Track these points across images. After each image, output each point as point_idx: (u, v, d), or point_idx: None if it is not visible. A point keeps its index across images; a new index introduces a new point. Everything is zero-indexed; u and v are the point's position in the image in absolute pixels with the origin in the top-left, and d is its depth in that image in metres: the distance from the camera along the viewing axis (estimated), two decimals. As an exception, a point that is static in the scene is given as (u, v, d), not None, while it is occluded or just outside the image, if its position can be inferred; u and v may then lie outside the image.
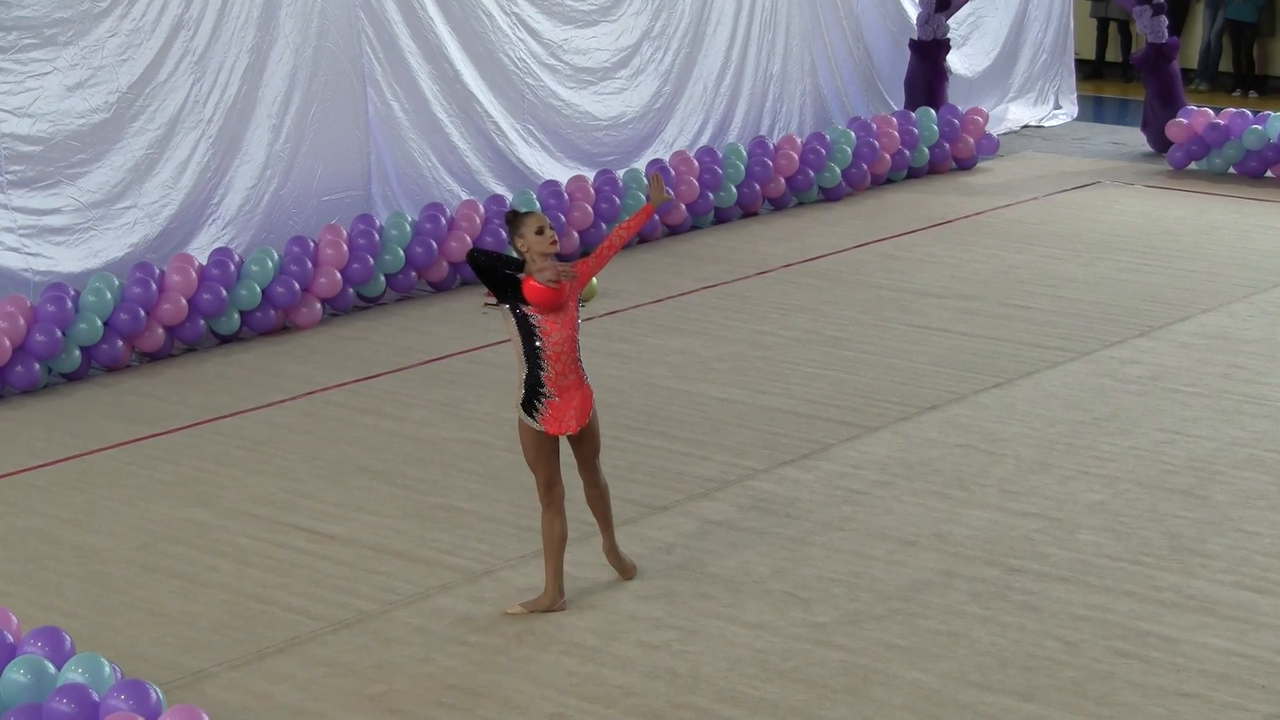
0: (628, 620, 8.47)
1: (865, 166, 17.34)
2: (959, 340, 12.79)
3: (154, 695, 6.97)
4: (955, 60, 19.75)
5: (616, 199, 15.22)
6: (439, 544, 9.36)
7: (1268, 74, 23.63)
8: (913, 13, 19.26)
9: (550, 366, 8.27)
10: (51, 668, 7.19)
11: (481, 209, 14.35)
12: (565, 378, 8.30)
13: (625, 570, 8.90)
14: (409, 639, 8.30)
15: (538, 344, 8.23)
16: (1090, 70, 24.16)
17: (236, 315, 12.79)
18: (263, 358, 12.56)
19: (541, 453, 8.42)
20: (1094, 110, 22.34)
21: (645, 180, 15.55)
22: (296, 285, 13.01)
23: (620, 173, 15.74)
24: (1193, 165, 18.29)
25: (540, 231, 8.25)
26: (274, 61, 14.00)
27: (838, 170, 17.04)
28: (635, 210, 14.90)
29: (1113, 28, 24.42)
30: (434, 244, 13.89)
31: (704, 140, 17.30)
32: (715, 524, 9.58)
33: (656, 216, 15.41)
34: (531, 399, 8.31)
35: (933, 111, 18.26)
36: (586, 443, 8.55)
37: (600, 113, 16.54)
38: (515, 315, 8.25)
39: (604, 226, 15.08)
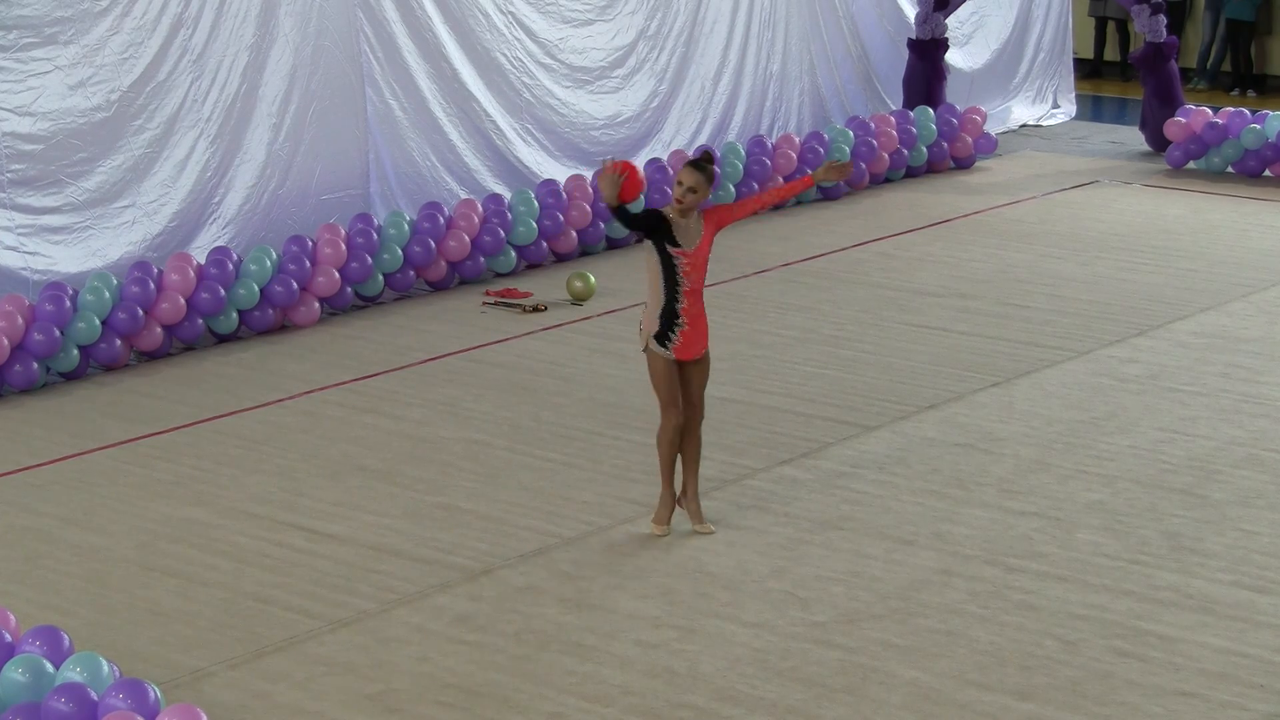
0: (626, 619, 8.47)
1: (864, 165, 17.34)
2: (957, 339, 12.79)
3: (152, 694, 6.97)
4: (958, 56, 19.76)
5: (615, 198, 15.19)
6: (437, 543, 9.36)
7: (1266, 73, 23.64)
8: (910, 12, 19.27)
9: (685, 299, 9.21)
10: (50, 667, 7.19)
11: (480, 208, 14.34)
12: (695, 308, 9.26)
13: (698, 517, 9.47)
14: (408, 638, 8.30)
15: (679, 278, 9.19)
16: (1089, 69, 24.17)
17: (235, 314, 12.78)
18: (261, 357, 12.56)
19: (671, 377, 9.31)
20: (1092, 109, 22.35)
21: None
22: (295, 284, 13.00)
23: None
24: (1191, 164, 18.30)
25: (680, 182, 9.18)
26: (274, 60, 13.99)
27: (836, 169, 17.03)
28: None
29: (1111, 26, 24.43)
30: (432, 243, 13.88)
31: (702, 139, 17.29)
32: (713, 523, 9.57)
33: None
34: (667, 330, 9.24)
35: (931, 111, 18.27)
36: (702, 370, 9.40)
37: (596, 112, 16.54)
38: (660, 252, 9.16)
39: (602, 226, 15.08)
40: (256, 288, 12.80)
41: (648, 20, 16.98)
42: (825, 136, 17.17)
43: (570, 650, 8.17)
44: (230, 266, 12.78)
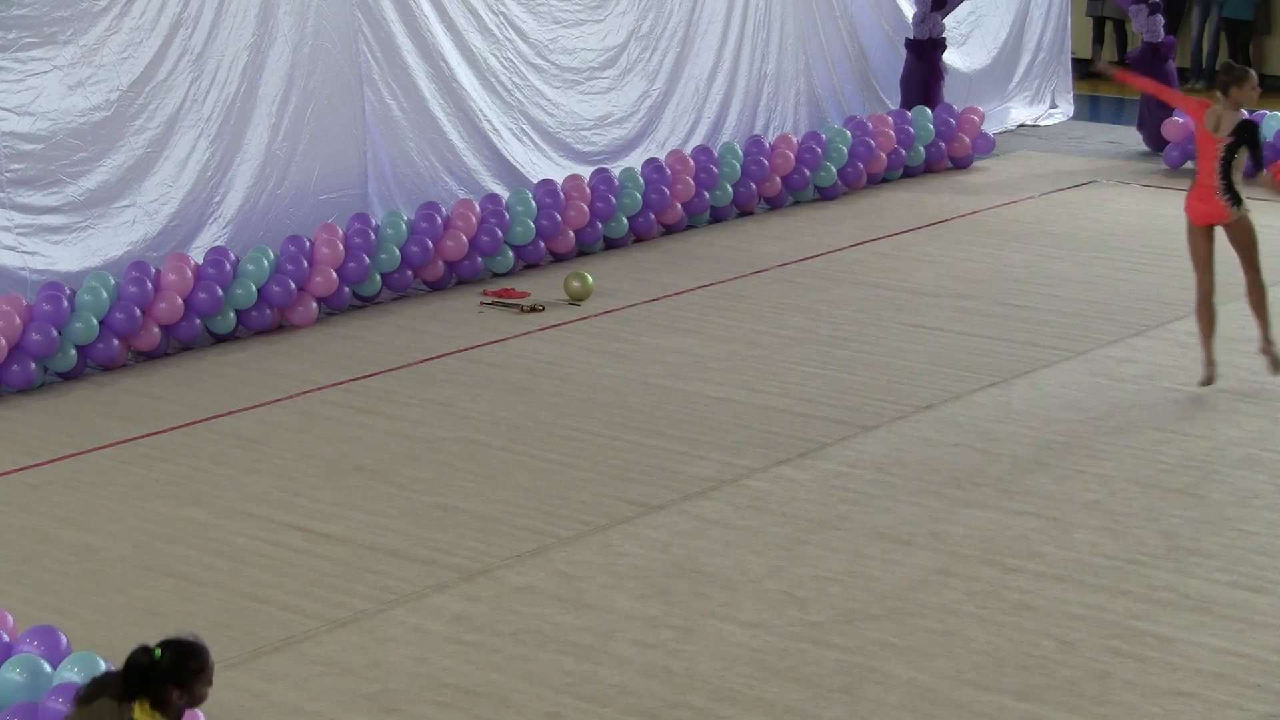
0: (624, 619, 8.47)
1: (861, 165, 17.34)
2: (955, 339, 12.79)
3: (150, 694, 6.96)
4: (955, 57, 19.76)
5: (612, 198, 15.21)
6: (435, 543, 9.36)
7: (1265, 73, 23.62)
8: (908, 11, 19.27)
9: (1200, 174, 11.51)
10: (47, 667, 7.19)
11: (477, 208, 14.35)
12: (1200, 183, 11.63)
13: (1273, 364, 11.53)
14: (405, 638, 8.30)
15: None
16: (1086, 69, 24.15)
17: (232, 314, 12.79)
18: (259, 357, 12.56)
19: (1190, 240, 11.77)
20: (1090, 109, 22.35)
21: (640, 179, 15.52)
22: (292, 284, 13.00)
23: (616, 171, 15.73)
24: (1189, 164, 18.28)
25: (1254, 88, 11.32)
26: (273, 60, 13.99)
27: (834, 169, 17.04)
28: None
29: (1108, 26, 24.43)
30: (430, 243, 13.88)
31: (697, 139, 17.28)
32: (711, 523, 9.58)
33: None
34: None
35: (929, 110, 18.26)
36: (1232, 235, 11.59)
37: (586, 112, 16.51)
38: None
39: (599, 225, 15.08)
40: (254, 288, 12.80)
41: (639, 20, 16.97)
42: (823, 136, 17.17)
43: (567, 650, 8.17)
44: (228, 266, 12.78)
